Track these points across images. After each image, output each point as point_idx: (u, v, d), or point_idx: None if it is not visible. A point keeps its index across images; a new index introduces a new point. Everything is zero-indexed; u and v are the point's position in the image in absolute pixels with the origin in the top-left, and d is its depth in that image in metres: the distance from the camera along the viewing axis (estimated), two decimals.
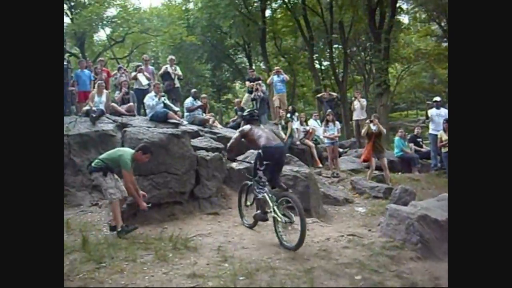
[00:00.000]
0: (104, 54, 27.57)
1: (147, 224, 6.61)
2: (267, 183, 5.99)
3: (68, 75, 11.13)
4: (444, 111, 11.72)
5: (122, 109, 10.63)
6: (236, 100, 17.98)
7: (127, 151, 6.24)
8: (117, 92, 12.00)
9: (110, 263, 4.80)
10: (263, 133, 6.18)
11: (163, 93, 11.22)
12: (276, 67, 17.14)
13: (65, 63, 11.02)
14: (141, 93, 11.93)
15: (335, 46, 27.71)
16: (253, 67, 23.83)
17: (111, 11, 25.40)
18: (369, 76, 28.84)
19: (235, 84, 36.84)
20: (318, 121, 14.63)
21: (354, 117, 15.28)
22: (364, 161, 11.16)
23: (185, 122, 10.56)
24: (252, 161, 6.53)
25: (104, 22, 25.09)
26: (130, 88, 12.20)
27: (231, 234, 6.23)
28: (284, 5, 26.33)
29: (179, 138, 7.53)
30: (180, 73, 13.67)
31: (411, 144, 13.51)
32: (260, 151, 6.02)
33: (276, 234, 5.80)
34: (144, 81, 12.36)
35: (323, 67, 30.93)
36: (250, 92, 13.71)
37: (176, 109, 11.03)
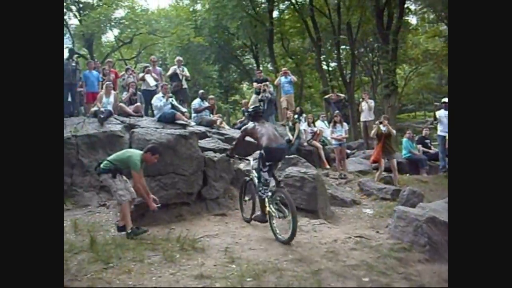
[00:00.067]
0: (112, 55, 27.72)
1: (155, 224, 6.62)
2: (271, 184, 6.18)
3: (76, 76, 11.18)
4: None
5: (129, 109, 10.67)
6: (244, 101, 18.01)
7: (136, 152, 6.26)
8: (125, 93, 12.05)
9: (117, 264, 4.81)
10: (266, 132, 6.24)
11: (170, 94, 11.24)
12: (283, 68, 17.12)
13: (73, 64, 11.08)
14: (149, 94, 11.98)
15: (343, 47, 27.65)
16: (261, 68, 23.84)
17: (119, 13, 25.61)
18: (377, 77, 28.76)
19: (243, 85, 36.86)
20: (326, 122, 14.60)
21: (362, 118, 15.20)
22: (374, 162, 11.12)
23: (193, 123, 10.58)
24: (249, 158, 6.92)
25: (112, 23, 25.24)
26: (138, 89, 12.25)
27: (239, 235, 6.22)
28: (292, 6, 26.31)
29: (186, 139, 7.54)
30: (187, 74, 13.69)
31: (419, 146, 13.43)
32: (262, 151, 6.14)
33: (270, 227, 6.08)
34: (151, 82, 12.41)
35: (330, 68, 30.90)
36: (258, 93, 13.69)
37: (184, 110, 11.05)
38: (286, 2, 26.92)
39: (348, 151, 13.38)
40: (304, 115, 14.78)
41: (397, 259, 5.22)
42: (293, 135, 12.10)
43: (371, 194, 9.60)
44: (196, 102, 11.87)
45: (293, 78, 14.92)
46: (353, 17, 24.03)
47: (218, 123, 11.56)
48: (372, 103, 15.18)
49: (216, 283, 4.34)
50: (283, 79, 14.41)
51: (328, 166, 12.22)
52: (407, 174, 12.00)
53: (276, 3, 26.42)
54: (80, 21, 24.64)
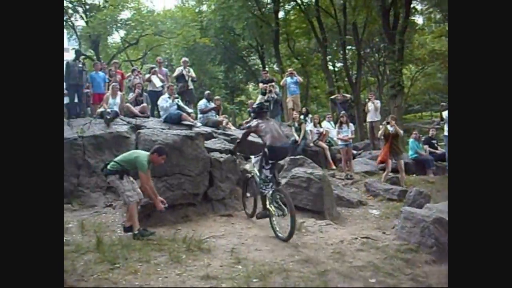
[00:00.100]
0: (118, 56, 27.77)
1: (161, 225, 6.64)
2: (272, 181, 6.31)
3: (83, 77, 11.23)
4: None
5: (135, 110, 10.70)
6: (250, 101, 18.00)
7: (142, 153, 6.26)
8: (131, 93, 12.09)
9: (124, 264, 4.82)
10: (270, 130, 6.30)
11: (176, 95, 11.26)
12: (289, 69, 17.12)
13: (80, 65, 11.15)
14: (155, 95, 12.00)
15: (349, 47, 27.56)
16: (267, 69, 23.81)
17: (125, 14, 25.67)
18: (383, 77, 28.63)
19: (248, 86, 36.85)
20: (332, 123, 14.57)
21: (368, 119, 15.15)
22: (381, 162, 11.06)
23: (199, 124, 10.58)
24: (252, 156, 7.04)
25: (118, 24, 25.31)
26: (144, 90, 12.28)
27: (245, 236, 6.22)
28: (297, 7, 26.25)
29: (192, 140, 7.56)
30: (193, 75, 13.70)
31: (426, 146, 13.36)
32: (265, 149, 6.23)
33: (270, 225, 6.26)
34: (158, 83, 12.43)
35: (336, 69, 30.84)
36: (264, 93, 13.70)
37: (190, 111, 11.06)
38: (292, 3, 26.84)
39: (354, 152, 13.34)
40: (310, 115, 14.75)
41: (404, 260, 5.21)
42: (299, 136, 12.09)
43: (377, 194, 9.56)
44: (202, 103, 11.88)
45: (299, 78, 14.91)
46: (359, 17, 23.95)
47: (224, 124, 11.57)
48: (378, 103, 15.11)
49: (222, 284, 4.34)
50: (289, 79, 14.40)
51: (334, 167, 12.20)
52: (414, 175, 11.95)
53: (282, 4, 26.38)
54: (86, 22, 24.76)
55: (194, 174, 7.30)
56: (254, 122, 6.59)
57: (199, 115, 11.79)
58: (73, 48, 19.01)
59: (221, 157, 7.95)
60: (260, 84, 14.51)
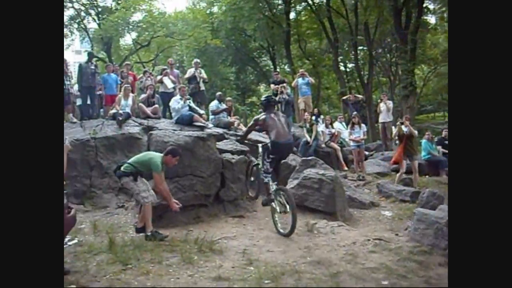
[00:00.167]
0: (130, 58, 27.91)
1: (173, 226, 6.66)
2: (271, 172, 6.63)
3: (95, 79, 11.33)
4: None
5: (148, 110, 10.75)
6: None
7: (156, 155, 6.28)
8: (143, 95, 12.14)
9: (136, 265, 4.84)
10: (275, 126, 6.49)
11: (188, 96, 11.28)
12: (300, 70, 17.10)
13: (92, 67, 11.24)
14: (167, 96, 12.04)
15: (360, 47, 27.43)
16: (278, 70, 23.82)
17: (137, 16, 25.78)
18: (395, 78, 28.48)
19: (260, 87, 36.84)
20: (344, 123, 14.52)
21: (380, 120, 15.07)
22: (395, 163, 10.96)
23: (210, 125, 10.58)
24: (259, 144, 7.21)
25: (130, 26, 25.43)
26: (156, 92, 12.33)
27: (256, 237, 6.21)
28: (309, 7, 26.24)
29: (204, 141, 7.57)
30: (205, 76, 13.71)
31: (439, 147, 13.22)
32: (269, 144, 6.52)
33: (272, 221, 6.59)
34: (169, 84, 12.47)
35: (348, 69, 30.73)
36: (275, 94, 13.66)
37: (202, 112, 11.07)
38: (303, 3, 26.82)
39: (366, 153, 13.28)
40: (321, 116, 14.74)
41: (417, 262, 5.16)
42: (310, 137, 12.08)
43: (389, 196, 9.48)
44: (213, 104, 11.89)
45: (311, 79, 14.89)
46: (370, 17, 23.87)
47: (235, 125, 11.56)
48: (390, 104, 15.02)
49: (234, 285, 4.34)
50: (300, 80, 14.39)
51: (346, 168, 12.16)
52: (427, 176, 11.84)
53: (292, 5, 26.36)
54: (99, 25, 25.01)
55: (205, 175, 7.31)
56: (261, 116, 6.73)
57: (211, 116, 11.80)
58: (86, 50, 19.16)
59: (233, 158, 7.95)
60: (272, 85, 14.51)
